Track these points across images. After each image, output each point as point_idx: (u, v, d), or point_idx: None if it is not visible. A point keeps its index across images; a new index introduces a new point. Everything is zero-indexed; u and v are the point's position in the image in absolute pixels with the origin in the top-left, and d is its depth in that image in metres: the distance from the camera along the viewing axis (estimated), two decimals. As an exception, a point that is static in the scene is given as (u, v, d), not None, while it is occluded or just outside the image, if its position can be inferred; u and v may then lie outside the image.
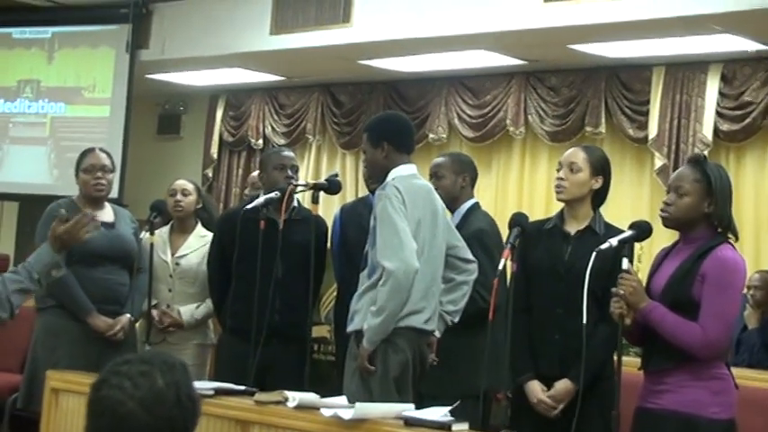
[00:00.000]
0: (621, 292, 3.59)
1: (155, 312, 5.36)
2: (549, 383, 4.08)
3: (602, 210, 4.24)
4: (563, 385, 4.04)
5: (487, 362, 4.09)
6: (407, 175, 4.43)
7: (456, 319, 4.48)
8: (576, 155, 4.17)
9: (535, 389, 4.09)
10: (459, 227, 4.73)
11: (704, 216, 3.65)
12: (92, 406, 2.11)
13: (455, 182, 5.02)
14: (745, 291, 6.33)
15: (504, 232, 4.13)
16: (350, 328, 4.38)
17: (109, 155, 5.29)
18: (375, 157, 4.48)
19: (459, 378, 4.69)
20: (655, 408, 3.64)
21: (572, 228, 4.16)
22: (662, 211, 3.71)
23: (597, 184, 4.16)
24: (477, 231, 4.86)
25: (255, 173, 5.94)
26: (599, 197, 4.20)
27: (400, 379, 4.28)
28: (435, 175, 5.03)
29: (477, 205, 5.12)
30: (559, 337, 4.06)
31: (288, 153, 5.27)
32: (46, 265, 3.90)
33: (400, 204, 4.27)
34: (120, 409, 2.06)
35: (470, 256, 4.53)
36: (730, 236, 3.68)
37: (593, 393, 3.86)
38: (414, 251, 4.22)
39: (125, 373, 2.09)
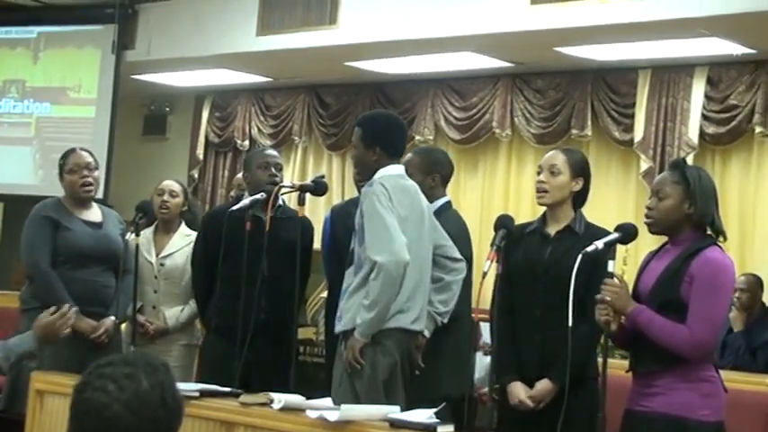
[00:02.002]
0: (608, 298, 3.59)
1: (141, 318, 5.35)
2: (531, 384, 4.07)
3: (588, 212, 4.24)
4: (543, 385, 4.03)
5: (451, 366, 4.04)
6: (395, 174, 4.44)
7: (446, 320, 4.46)
8: (556, 157, 4.18)
9: (517, 390, 4.07)
10: None
11: (687, 217, 3.66)
12: (75, 408, 2.09)
13: (424, 181, 4.80)
14: (730, 293, 6.33)
15: (490, 234, 4.12)
16: (338, 329, 4.36)
17: (91, 153, 5.29)
18: (365, 158, 4.48)
19: (422, 381, 4.58)
20: (644, 410, 3.65)
21: (552, 229, 4.16)
22: (646, 216, 3.73)
23: (578, 186, 4.16)
24: None
25: (240, 174, 5.94)
26: (580, 199, 4.20)
27: (389, 382, 4.27)
28: None
29: (448, 205, 5.01)
30: (539, 338, 4.06)
31: (271, 152, 5.27)
32: (23, 353, 3.83)
33: (387, 201, 4.27)
34: (106, 412, 2.04)
35: (458, 255, 4.52)
36: (719, 240, 3.69)
37: (578, 395, 3.85)
38: (403, 244, 4.21)
39: (108, 376, 2.07)
